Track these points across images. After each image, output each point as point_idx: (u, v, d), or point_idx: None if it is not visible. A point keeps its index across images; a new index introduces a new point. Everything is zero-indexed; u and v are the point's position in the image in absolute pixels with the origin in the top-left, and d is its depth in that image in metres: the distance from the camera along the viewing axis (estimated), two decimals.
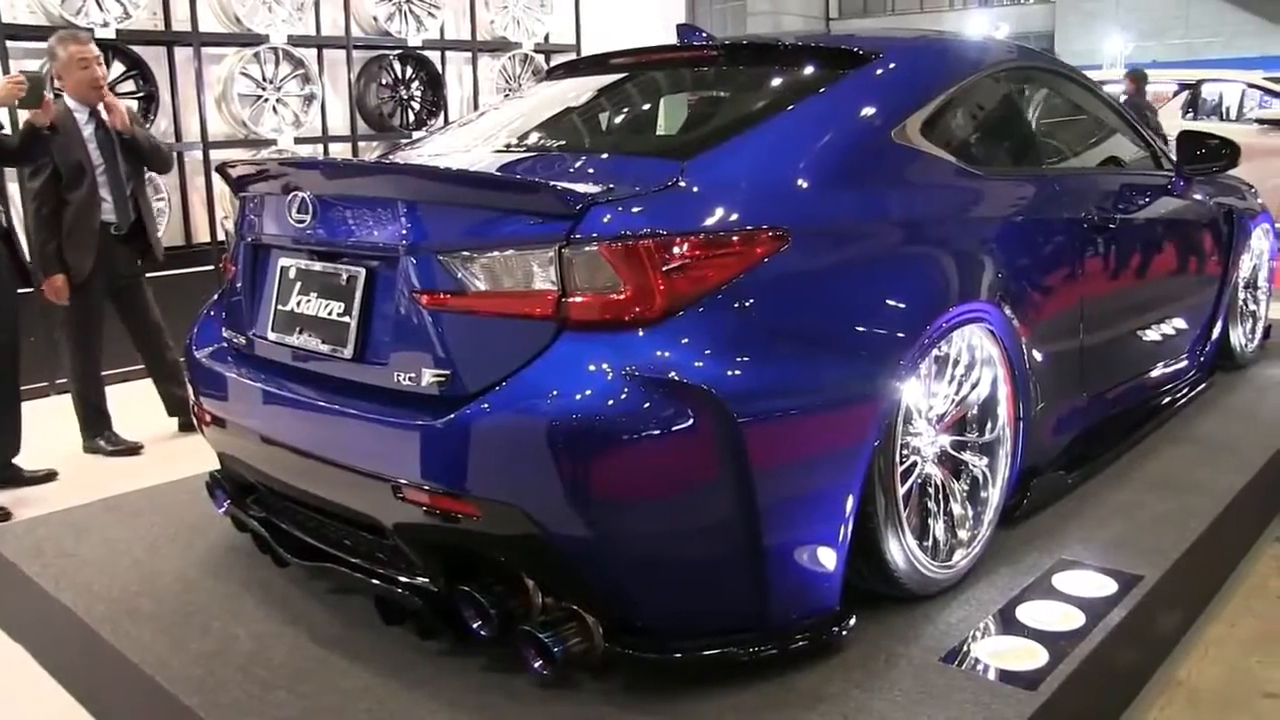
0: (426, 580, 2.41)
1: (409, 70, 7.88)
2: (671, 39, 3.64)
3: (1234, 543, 3.09)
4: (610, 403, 2.11)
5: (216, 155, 6.57)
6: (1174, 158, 4.20)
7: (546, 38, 8.65)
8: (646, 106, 3.39)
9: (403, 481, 2.26)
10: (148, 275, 5.14)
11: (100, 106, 4.77)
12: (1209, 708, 2.35)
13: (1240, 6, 29.14)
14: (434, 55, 7.98)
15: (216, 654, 2.58)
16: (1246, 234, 4.76)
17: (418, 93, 7.94)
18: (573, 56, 7.44)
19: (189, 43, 6.66)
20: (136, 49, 6.47)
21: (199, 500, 3.30)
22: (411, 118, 7.91)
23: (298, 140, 7.20)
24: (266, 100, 7.06)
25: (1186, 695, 2.39)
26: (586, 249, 2.17)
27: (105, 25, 6.22)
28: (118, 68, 6.40)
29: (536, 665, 2.28)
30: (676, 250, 2.20)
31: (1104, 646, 2.49)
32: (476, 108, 8.00)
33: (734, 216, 2.31)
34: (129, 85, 6.48)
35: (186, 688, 2.43)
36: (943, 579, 2.73)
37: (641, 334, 2.17)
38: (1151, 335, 3.99)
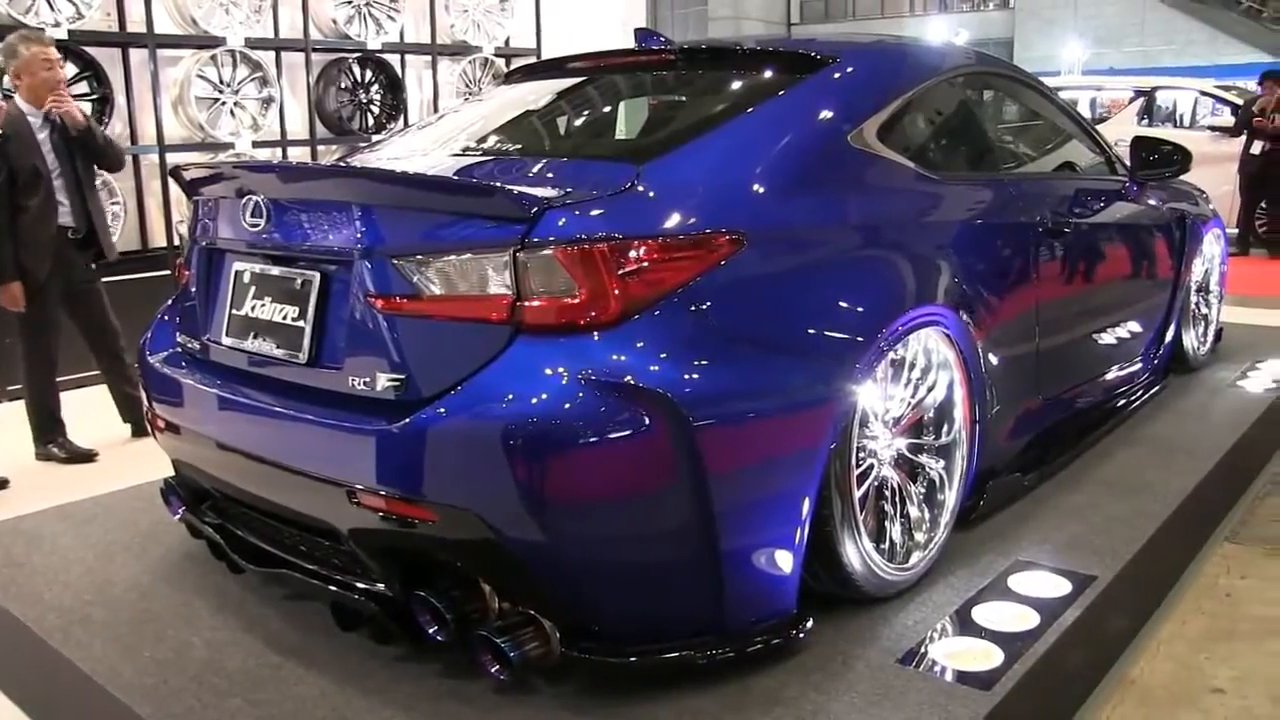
0: (382, 585, 2.40)
1: (368, 73, 7.82)
2: (631, 43, 3.64)
3: (1185, 543, 3.14)
4: (565, 407, 2.11)
5: (173, 158, 6.47)
6: (1127, 163, 4.26)
7: (507, 41, 8.62)
8: (604, 110, 3.39)
9: (358, 486, 2.25)
10: (103, 280, 5.06)
11: (52, 110, 4.65)
12: (1160, 705, 2.38)
13: (1192, 15, 29.75)
14: (394, 58, 7.93)
15: (170, 662, 2.56)
16: (1198, 239, 4.84)
17: (377, 96, 7.89)
18: (533, 60, 7.41)
19: (144, 44, 6.56)
20: (90, 50, 6.38)
21: (153, 507, 3.27)
22: (371, 121, 7.85)
23: (256, 144, 7.12)
24: (224, 103, 6.98)
25: (1138, 693, 2.42)
26: (541, 252, 2.16)
27: (57, 25, 6.12)
28: (70, 69, 6.31)
29: (493, 670, 2.28)
30: (632, 254, 2.20)
31: (1058, 646, 2.53)
32: (436, 111, 7.96)
33: (690, 220, 2.32)
34: (83, 87, 6.38)
35: (139, 697, 2.41)
36: (899, 581, 2.75)
37: (597, 338, 2.17)
38: (1106, 338, 4.04)
